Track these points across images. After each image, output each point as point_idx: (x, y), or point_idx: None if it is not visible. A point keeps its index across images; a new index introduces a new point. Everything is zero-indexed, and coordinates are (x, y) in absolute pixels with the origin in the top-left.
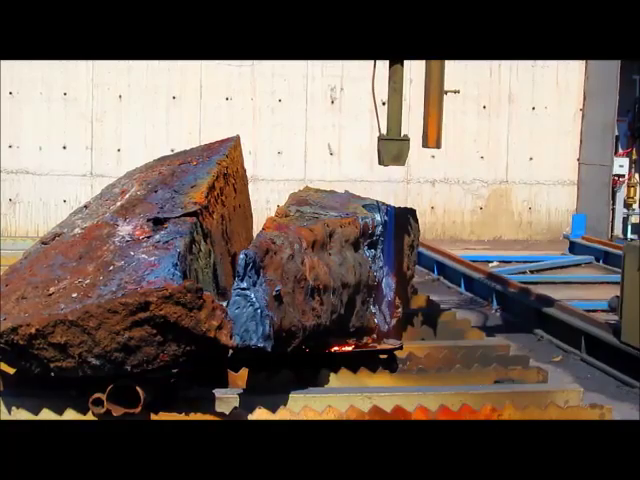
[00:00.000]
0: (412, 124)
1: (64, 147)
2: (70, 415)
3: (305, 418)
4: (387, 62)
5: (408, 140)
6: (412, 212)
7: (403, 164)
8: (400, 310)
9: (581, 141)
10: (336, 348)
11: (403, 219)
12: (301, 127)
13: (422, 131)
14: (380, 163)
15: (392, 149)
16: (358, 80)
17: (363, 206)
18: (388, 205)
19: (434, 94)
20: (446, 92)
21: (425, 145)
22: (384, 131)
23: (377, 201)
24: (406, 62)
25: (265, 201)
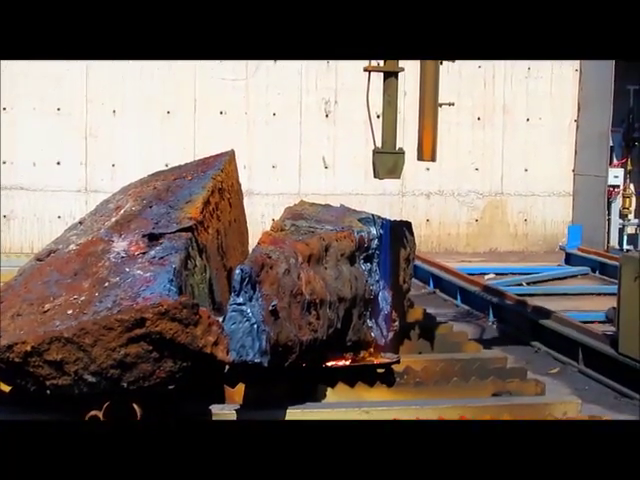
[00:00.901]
0: (407, 137)
1: (58, 163)
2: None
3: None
4: (381, 75)
5: (403, 153)
6: (408, 225)
7: (398, 177)
8: (397, 324)
9: (576, 152)
10: (333, 362)
11: (399, 232)
12: (295, 140)
13: (417, 144)
14: (375, 176)
15: (387, 162)
16: (352, 93)
17: (358, 220)
18: (383, 218)
19: (428, 107)
20: (440, 105)
21: (420, 158)
22: (379, 144)
23: (372, 214)
24: (400, 75)
25: (260, 215)
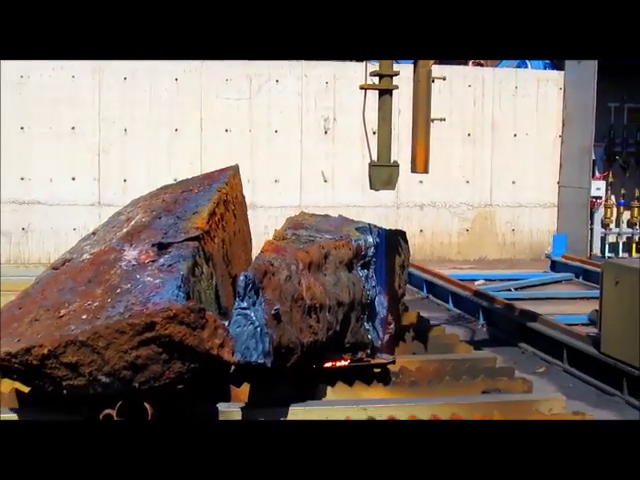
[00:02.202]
0: (401, 152)
1: (73, 178)
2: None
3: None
4: (377, 93)
5: (397, 166)
6: (402, 234)
7: (393, 188)
8: (392, 326)
9: (560, 165)
10: (332, 363)
11: (394, 241)
12: (296, 156)
13: (410, 157)
14: (371, 188)
15: (382, 174)
16: (349, 111)
17: (356, 229)
18: (379, 228)
19: (421, 122)
20: (433, 120)
21: (414, 170)
22: (375, 158)
23: (369, 224)
24: (394, 93)
25: (263, 227)
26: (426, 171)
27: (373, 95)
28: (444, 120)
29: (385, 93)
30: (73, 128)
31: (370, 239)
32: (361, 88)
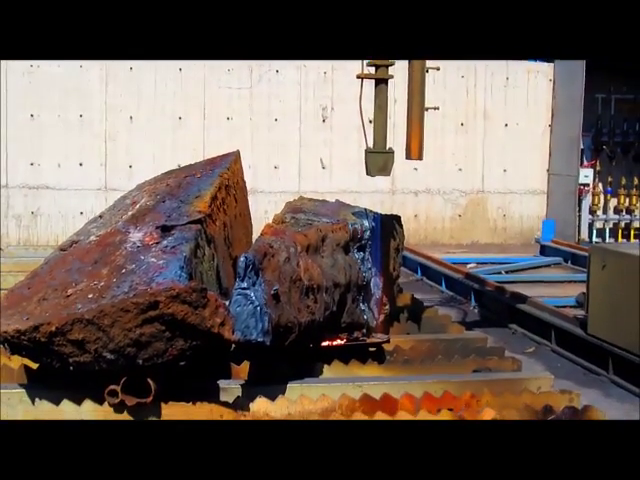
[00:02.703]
0: (397, 139)
1: (80, 164)
2: (88, 405)
3: (301, 406)
4: (373, 82)
5: (393, 153)
6: (397, 218)
7: (388, 174)
8: (387, 307)
9: (550, 154)
10: (329, 342)
11: (389, 225)
12: (295, 144)
13: (405, 145)
14: (368, 174)
15: (378, 161)
16: (347, 101)
17: (352, 213)
18: (375, 212)
19: (416, 111)
20: (427, 109)
21: (408, 157)
22: (371, 145)
23: (365, 209)
24: (390, 83)
25: (263, 211)
26: (420, 158)
27: (370, 84)
28: (437, 109)
29: (381, 82)
30: (81, 116)
31: (366, 223)
32: (358, 77)
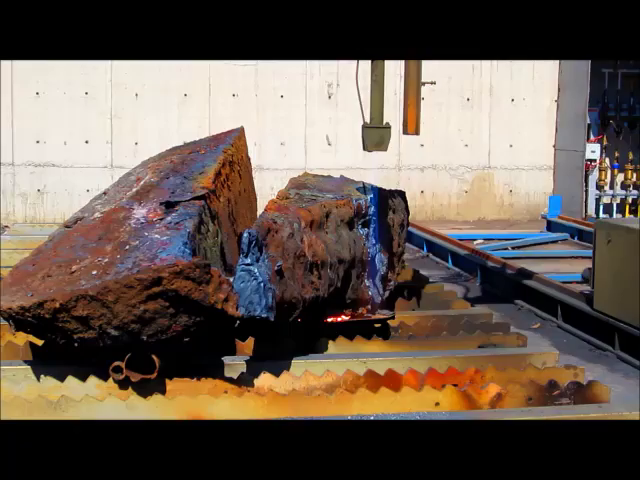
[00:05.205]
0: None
1: (86, 142)
2: (92, 381)
3: (306, 382)
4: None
5: (389, 127)
6: (402, 194)
7: (385, 149)
8: (392, 283)
9: (556, 129)
10: (333, 318)
11: (393, 200)
12: (301, 120)
13: (402, 119)
14: (364, 149)
15: (374, 136)
16: (352, 78)
17: (357, 189)
18: (379, 188)
19: (412, 86)
20: (423, 83)
21: (405, 132)
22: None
23: (370, 184)
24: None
25: (269, 188)
26: (417, 133)
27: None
28: (434, 83)
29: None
30: (86, 93)
31: (370, 199)
32: None
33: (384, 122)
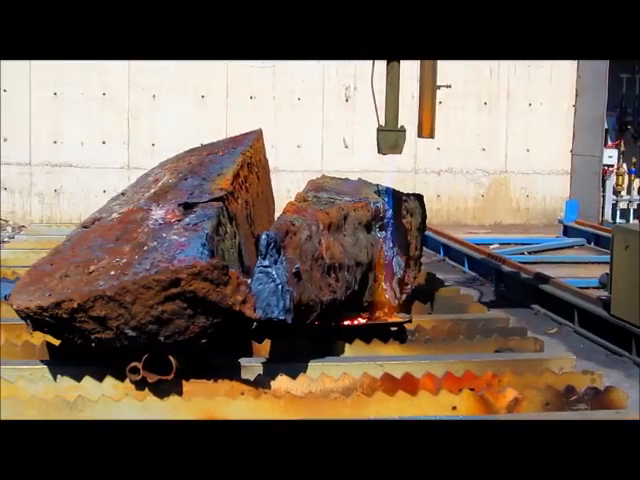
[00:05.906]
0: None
1: (103, 142)
2: (109, 382)
3: (322, 384)
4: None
5: (404, 131)
6: (419, 197)
7: (400, 153)
8: (409, 287)
9: (574, 134)
10: (350, 321)
11: (411, 204)
12: (318, 123)
13: (417, 123)
14: (379, 152)
15: (389, 139)
16: (369, 80)
17: (375, 192)
18: (397, 191)
19: (427, 89)
20: (439, 87)
21: (420, 135)
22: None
23: (388, 187)
24: (411, 63)
25: (286, 190)
26: (432, 136)
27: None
28: (450, 87)
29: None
30: (104, 94)
31: (388, 202)
32: None
33: (399, 125)
